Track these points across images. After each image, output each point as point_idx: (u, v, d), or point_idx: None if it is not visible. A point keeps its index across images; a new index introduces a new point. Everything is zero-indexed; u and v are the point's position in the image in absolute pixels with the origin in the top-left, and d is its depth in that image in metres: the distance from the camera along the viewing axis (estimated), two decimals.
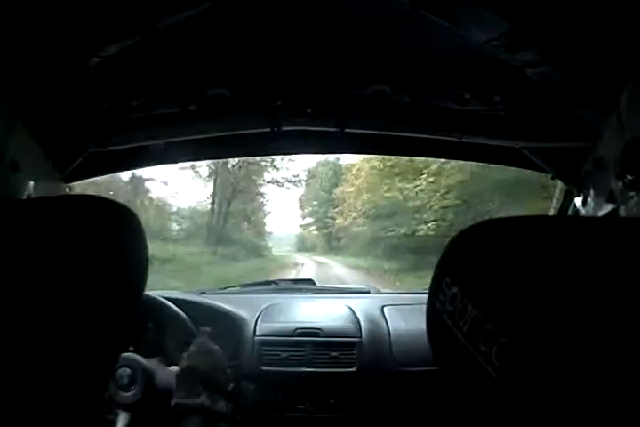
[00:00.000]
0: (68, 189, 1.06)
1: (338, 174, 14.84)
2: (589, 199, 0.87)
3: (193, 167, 11.03)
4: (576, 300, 0.25)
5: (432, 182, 9.10)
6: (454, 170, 8.45)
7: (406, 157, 7.86)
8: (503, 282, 0.30)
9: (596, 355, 0.23)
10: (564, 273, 0.26)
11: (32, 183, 0.81)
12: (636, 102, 0.65)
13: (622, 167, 0.66)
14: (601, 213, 0.78)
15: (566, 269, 0.27)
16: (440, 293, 0.35)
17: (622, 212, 0.71)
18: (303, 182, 14.29)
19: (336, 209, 14.63)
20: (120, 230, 0.43)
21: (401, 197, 10.02)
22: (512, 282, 0.29)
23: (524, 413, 0.26)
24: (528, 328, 0.26)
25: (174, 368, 1.29)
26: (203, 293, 1.64)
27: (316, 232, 16.97)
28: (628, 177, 0.65)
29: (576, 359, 0.24)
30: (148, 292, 1.34)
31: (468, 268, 0.34)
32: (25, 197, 0.79)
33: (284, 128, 1.03)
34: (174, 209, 11.77)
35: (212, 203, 11.81)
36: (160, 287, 1.79)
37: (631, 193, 0.66)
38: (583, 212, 0.91)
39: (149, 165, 1.35)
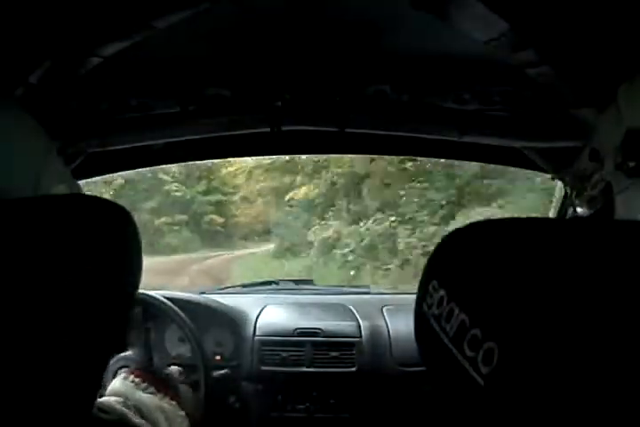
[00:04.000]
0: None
1: None
2: (588, 199, 0.86)
3: None
4: (565, 304, 0.24)
5: None
6: None
7: None
8: (490, 285, 0.29)
9: (585, 361, 0.23)
10: (552, 276, 0.26)
11: (46, 185, 0.82)
12: (634, 95, 0.65)
13: (622, 157, 0.66)
14: (600, 213, 0.78)
15: (555, 273, 0.26)
16: (427, 296, 0.34)
17: (620, 211, 0.71)
18: None
19: None
20: (115, 230, 0.43)
21: None
22: (499, 285, 0.28)
23: (510, 420, 0.25)
24: (515, 333, 0.26)
25: (174, 368, 1.30)
26: (202, 292, 1.64)
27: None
28: (630, 164, 0.65)
29: (564, 366, 0.23)
30: (148, 291, 1.34)
31: (455, 270, 0.33)
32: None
33: (284, 128, 1.03)
34: None
35: None
36: None
37: (630, 182, 0.66)
38: (582, 211, 0.91)
39: (149, 165, 1.35)
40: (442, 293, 0.32)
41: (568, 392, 0.23)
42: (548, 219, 0.94)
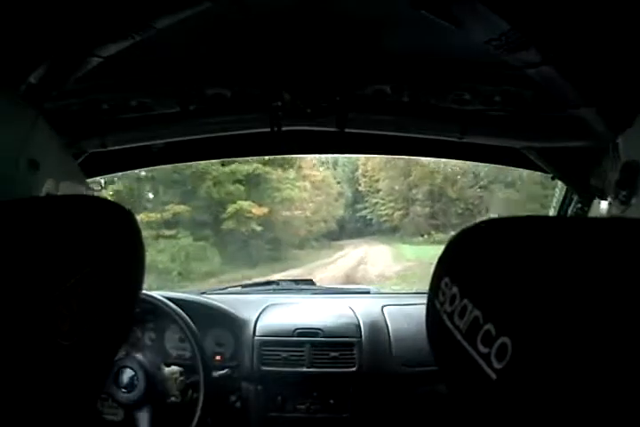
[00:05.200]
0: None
1: None
2: (589, 199, 0.86)
3: None
4: (577, 300, 0.24)
5: None
6: None
7: None
8: (504, 280, 0.29)
9: (598, 356, 0.23)
10: (564, 273, 0.26)
11: (52, 182, 0.81)
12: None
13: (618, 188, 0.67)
14: (601, 213, 0.78)
15: (566, 269, 0.26)
16: (440, 292, 0.34)
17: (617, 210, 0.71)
18: None
19: None
20: (116, 230, 0.43)
21: None
22: (513, 280, 0.28)
23: (523, 416, 0.25)
24: (529, 328, 0.26)
25: (174, 368, 1.30)
26: (203, 293, 1.64)
27: None
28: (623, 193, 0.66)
29: (577, 361, 0.23)
30: (149, 291, 1.34)
31: (468, 267, 0.33)
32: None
33: (284, 128, 1.03)
34: None
35: None
36: None
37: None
38: (583, 212, 0.91)
39: (149, 165, 1.35)
40: (454, 289, 0.32)
41: (582, 387, 0.23)
42: (558, 217, 0.94)
